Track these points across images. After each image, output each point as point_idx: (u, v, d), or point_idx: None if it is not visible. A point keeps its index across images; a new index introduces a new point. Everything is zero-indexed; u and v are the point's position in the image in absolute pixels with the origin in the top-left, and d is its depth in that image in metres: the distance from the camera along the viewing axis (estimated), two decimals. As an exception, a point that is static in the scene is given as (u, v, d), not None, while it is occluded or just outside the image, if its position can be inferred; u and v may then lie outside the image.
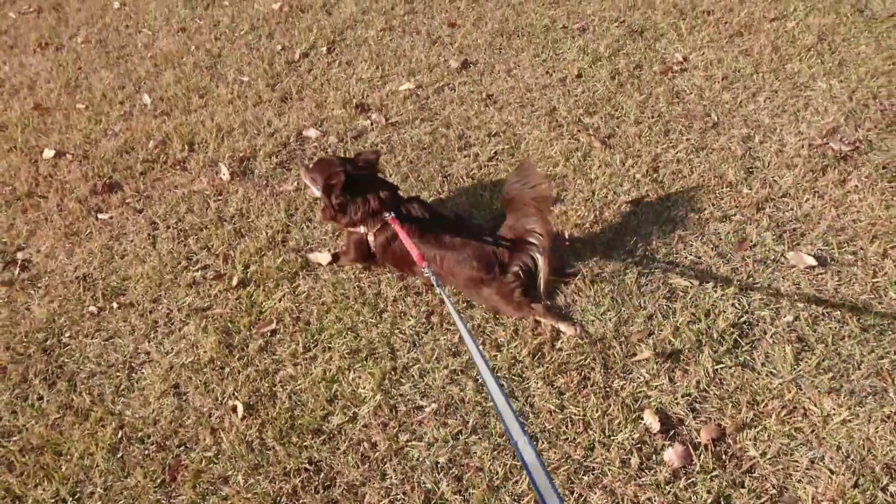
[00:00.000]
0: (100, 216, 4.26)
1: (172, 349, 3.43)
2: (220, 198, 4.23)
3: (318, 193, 3.55)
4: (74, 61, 5.85)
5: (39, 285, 3.89)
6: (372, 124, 4.68)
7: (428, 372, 3.18)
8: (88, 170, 4.58)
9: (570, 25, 5.45)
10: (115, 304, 3.68)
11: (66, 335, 3.59)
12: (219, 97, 5.11)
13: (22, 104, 5.32)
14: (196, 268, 3.85)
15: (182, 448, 2.99)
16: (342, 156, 3.68)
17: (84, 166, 4.63)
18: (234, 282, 3.69)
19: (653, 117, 4.45)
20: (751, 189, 3.85)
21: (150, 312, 3.63)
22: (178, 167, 4.53)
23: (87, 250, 4.03)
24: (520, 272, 3.21)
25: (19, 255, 4.09)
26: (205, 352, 3.38)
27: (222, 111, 4.95)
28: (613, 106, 4.59)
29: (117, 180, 4.51)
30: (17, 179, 4.59)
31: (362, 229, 3.44)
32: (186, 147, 4.68)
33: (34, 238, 4.18)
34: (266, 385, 3.20)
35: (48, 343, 3.56)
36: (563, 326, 3.27)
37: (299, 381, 3.19)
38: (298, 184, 4.19)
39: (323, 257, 3.77)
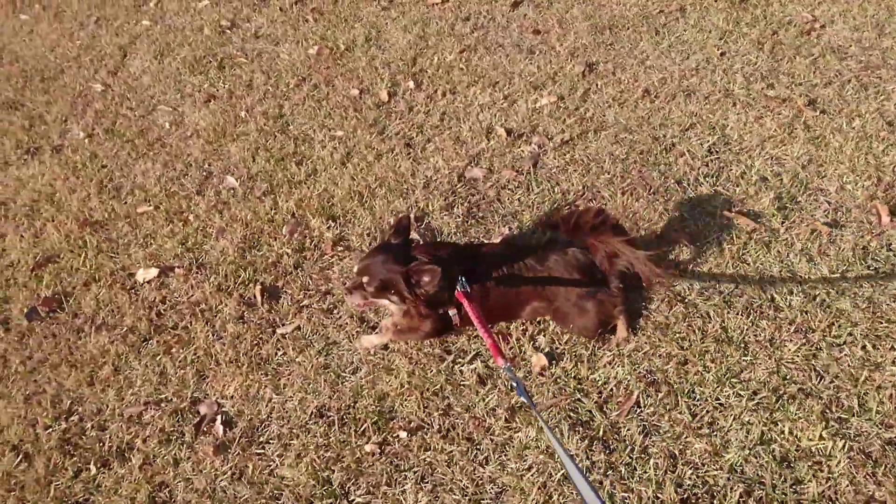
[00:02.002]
0: (280, 331, 3.31)
1: (525, 466, 2.65)
2: (426, 270, 3.44)
3: (394, 305, 2.94)
4: (92, 160, 4.72)
5: (265, 440, 2.92)
6: (540, 148, 4.08)
7: (865, 397, 2.66)
8: (217, 281, 3.59)
9: (664, 9, 5.18)
10: (400, 434, 2.82)
11: (359, 492, 2.68)
12: (324, 160, 4.30)
13: (60, 225, 4.16)
14: (467, 359, 3.06)
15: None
16: (379, 244, 3.06)
17: (209, 278, 3.62)
18: (540, 361, 2.96)
19: (836, 76, 4.27)
20: None
21: (451, 429, 2.82)
22: (340, 247, 3.68)
23: (301, 378, 3.12)
24: (621, 279, 3.00)
25: (204, 409, 3.09)
26: (576, 454, 2.62)
27: (343, 174, 4.15)
28: (787, 74, 4.38)
29: (270, 283, 3.56)
30: (124, 316, 3.50)
31: (451, 312, 2.97)
32: (331, 222, 3.82)
33: (209, 383, 3.18)
34: (689, 472, 2.53)
35: (341, 510, 2.63)
36: None
37: (727, 455, 2.56)
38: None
39: (377, 339, 3.26)
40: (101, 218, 4.23)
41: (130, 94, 5.40)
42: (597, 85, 4.61)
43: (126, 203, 4.32)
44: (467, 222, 3.80)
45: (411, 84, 4.92)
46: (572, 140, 4.19)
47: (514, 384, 2.31)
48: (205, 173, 4.46)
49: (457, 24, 5.49)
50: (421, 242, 3.10)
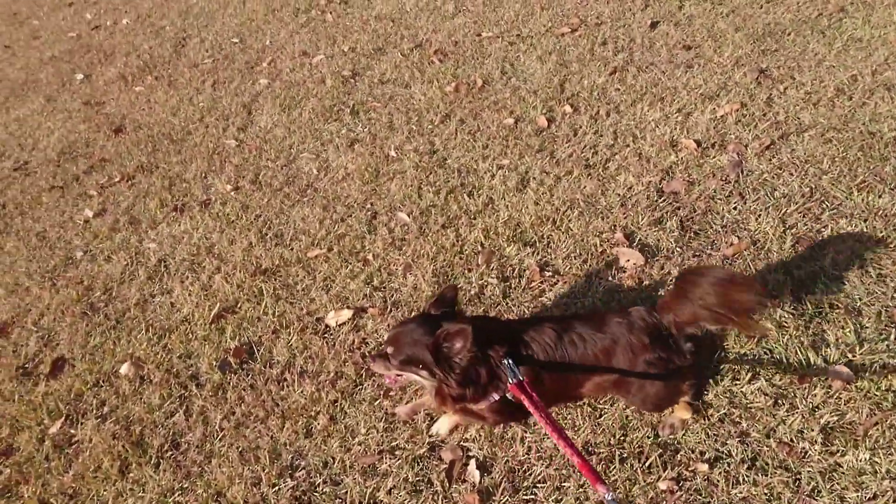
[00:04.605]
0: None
1: (869, 495, 2.22)
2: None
3: (423, 380, 2.51)
4: (244, 211, 4.58)
5: (531, 483, 2.56)
6: (739, 155, 3.77)
7: None
8: (420, 317, 3.28)
9: (822, 11, 4.94)
10: (698, 467, 2.43)
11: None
12: (497, 188, 4.09)
13: (228, 276, 3.96)
14: (746, 378, 2.67)
15: None
16: (416, 314, 2.68)
17: (409, 315, 3.32)
18: (839, 374, 2.55)
19: None
20: None
21: (757, 458, 2.40)
22: (548, 272, 3.39)
23: (553, 413, 2.73)
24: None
25: (448, 455, 2.82)
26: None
27: (523, 200, 3.98)
28: None
29: (482, 315, 3.26)
30: (325, 361, 3.24)
31: (495, 396, 2.49)
32: (528, 248, 3.53)
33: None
34: None
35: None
36: None
37: None
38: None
39: (443, 424, 2.90)
40: (270, 266, 4.02)
41: (267, 146, 5.30)
42: (778, 89, 4.34)
43: (293, 249, 4.11)
44: (685, 236, 3.47)
45: (568, 108, 4.72)
46: (774, 144, 3.88)
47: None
48: (370, 213, 4.25)
49: (595, 49, 5.33)
50: (467, 315, 2.75)
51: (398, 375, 2.55)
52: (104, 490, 3.01)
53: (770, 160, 3.81)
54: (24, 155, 6.33)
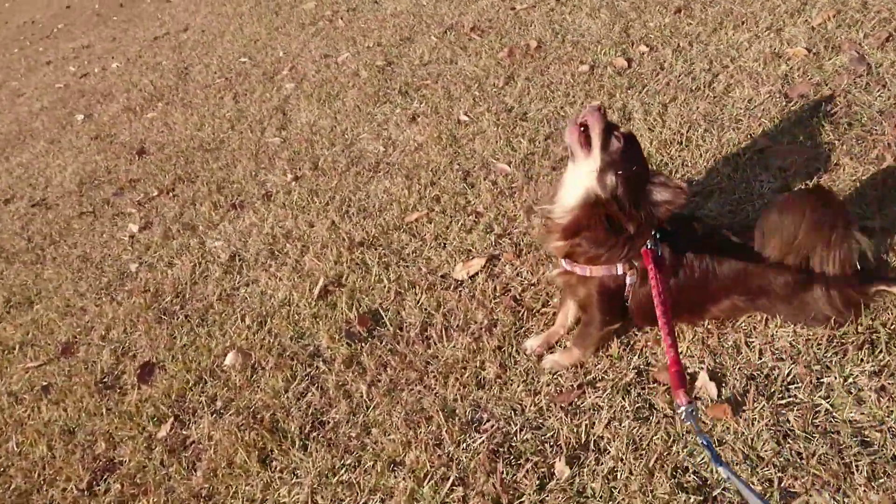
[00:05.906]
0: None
1: None
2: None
3: (592, 192, 2.18)
4: (313, 195, 4.22)
5: (782, 386, 2.13)
6: (858, 52, 3.53)
7: None
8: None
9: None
10: None
11: None
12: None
13: (319, 255, 3.55)
14: None
15: None
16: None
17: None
18: None
19: None
20: None
21: None
22: (683, 180, 3.04)
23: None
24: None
25: (661, 377, 2.30)
26: None
27: (632, 130, 3.57)
28: None
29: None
30: (468, 313, 2.82)
31: (619, 268, 2.23)
32: (661, 168, 3.20)
33: (644, 347, 2.42)
34: None
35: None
36: None
37: None
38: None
39: (564, 358, 2.58)
40: (365, 237, 3.63)
41: (316, 136, 4.96)
42: None
43: (386, 218, 3.71)
44: (838, 129, 3.16)
45: (643, 48, 4.47)
46: (892, 36, 3.64)
47: (702, 442, 1.65)
48: (461, 172, 3.88)
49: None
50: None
51: (588, 137, 2.20)
52: (246, 484, 2.51)
53: (895, 50, 3.55)
54: (38, 193, 5.88)
